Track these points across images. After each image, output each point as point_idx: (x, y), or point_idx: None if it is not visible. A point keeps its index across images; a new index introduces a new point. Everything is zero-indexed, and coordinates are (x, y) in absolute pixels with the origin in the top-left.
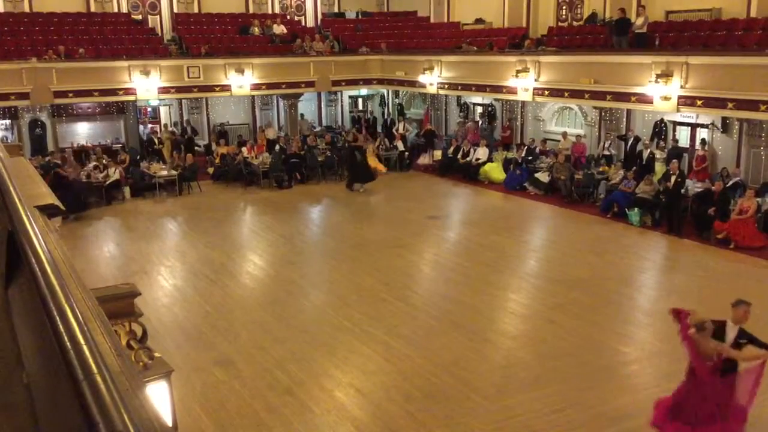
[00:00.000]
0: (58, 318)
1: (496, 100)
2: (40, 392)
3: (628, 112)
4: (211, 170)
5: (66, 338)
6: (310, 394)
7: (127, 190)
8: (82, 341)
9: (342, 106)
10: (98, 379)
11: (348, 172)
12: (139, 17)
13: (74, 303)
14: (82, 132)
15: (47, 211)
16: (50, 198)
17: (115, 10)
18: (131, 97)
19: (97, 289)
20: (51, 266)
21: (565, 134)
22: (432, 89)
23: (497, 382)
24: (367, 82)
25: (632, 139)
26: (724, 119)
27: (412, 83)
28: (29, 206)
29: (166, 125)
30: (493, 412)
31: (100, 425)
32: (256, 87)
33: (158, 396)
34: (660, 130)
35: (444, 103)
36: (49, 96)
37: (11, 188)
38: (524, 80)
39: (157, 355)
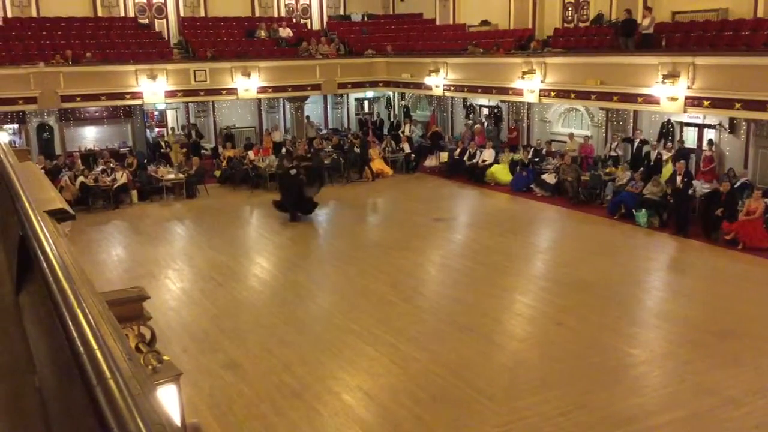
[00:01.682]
0: (70, 323)
1: (502, 101)
2: (53, 397)
3: (635, 113)
4: (218, 173)
5: (79, 343)
6: (318, 396)
7: (134, 194)
8: (95, 346)
9: (348, 108)
10: (112, 383)
11: (282, 198)
12: (146, 21)
13: (86, 307)
14: (90, 136)
15: (57, 215)
16: (60, 202)
17: (122, 14)
18: (138, 101)
19: (107, 292)
20: (62, 271)
21: (572, 135)
22: (438, 91)
23: (504, 385)
24: (373, 84)
25: (638, 141)
26: (731, 120)
27: (418, 85)
28: (39, 211)
29: (173, 129)
30: (500, 414)
31: (115, 430)
32: (263, 90)
33: (168, 399)
34: (667, 130)
35: (450, 105)
36: (56, 100)
37: (21, 193)
38: (530, 82)
39: (165, 358)
